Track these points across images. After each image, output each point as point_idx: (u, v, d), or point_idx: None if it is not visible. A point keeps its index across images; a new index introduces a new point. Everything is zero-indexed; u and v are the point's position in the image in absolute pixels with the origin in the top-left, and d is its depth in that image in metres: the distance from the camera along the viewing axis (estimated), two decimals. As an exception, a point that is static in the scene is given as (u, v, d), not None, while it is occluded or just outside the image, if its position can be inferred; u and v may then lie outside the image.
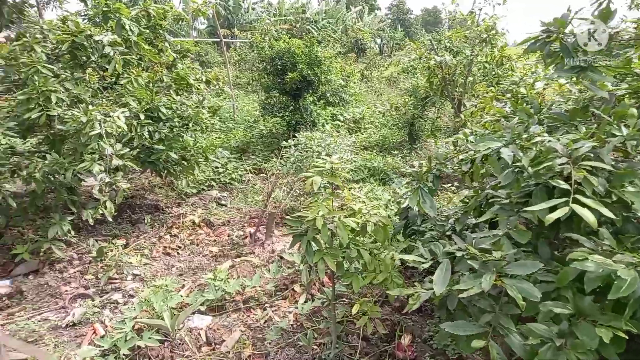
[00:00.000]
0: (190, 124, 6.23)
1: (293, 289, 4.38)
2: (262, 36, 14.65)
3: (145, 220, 6.20)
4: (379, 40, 37.08)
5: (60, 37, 4.91)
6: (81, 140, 4.53)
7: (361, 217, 3.25)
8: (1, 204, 4.69)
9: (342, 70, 13.79)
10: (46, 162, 4.53)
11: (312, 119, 9.81)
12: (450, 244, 3.09)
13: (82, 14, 8.94)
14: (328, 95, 10.52)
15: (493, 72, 7.58)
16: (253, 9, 33.15)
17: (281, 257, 5.05)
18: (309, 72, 9.09)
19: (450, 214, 3.62)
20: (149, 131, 5.51)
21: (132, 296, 4.48)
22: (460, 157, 3.30)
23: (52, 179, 4.85)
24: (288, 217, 6.25)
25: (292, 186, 5.98)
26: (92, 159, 4.37)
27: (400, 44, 34.14)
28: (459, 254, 2.31)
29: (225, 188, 8.23)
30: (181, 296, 4.31)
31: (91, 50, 5.22)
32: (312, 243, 3.13)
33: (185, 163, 6.08)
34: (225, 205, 7.38)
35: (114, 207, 4.46)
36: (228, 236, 5.81)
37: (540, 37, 2.80)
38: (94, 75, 5.66)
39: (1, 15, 5.20)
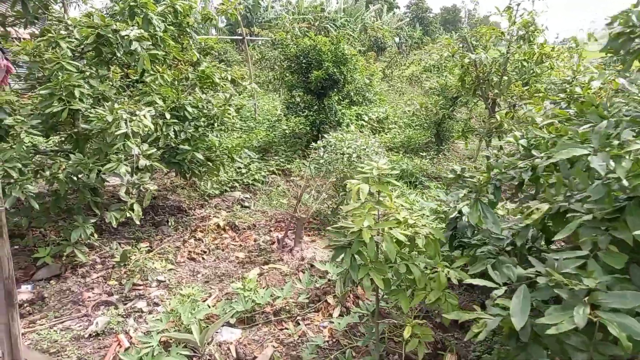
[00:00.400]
0: (216, 124, 6.01)
1: (326, 301, 4.11)
2: (285, 34, 14.46)
3: (169, 223, 6.01)
4: (397, 39, 36.54)
5: (85, 30, 4.73)
6: (106, 140, 4.34)
7: (407, 227, 2.96)
8: (24, 205, 4.53)
9: (366, 68, 13.47)
10: (70, 162, 4.34)
11: (336, 118, 9.53)
12: (511, 261, 2.77)
13: (106, 12, 8.83)
14: (352, 94, 10.22)
15: (531, 71, 7.18)
16: (272, 7, 33.03)
17: (312, 266, 4.78)
18: (335, 70, 8.81)
19: (505, 225, 3.30)
20: (174, 131, 5.31)
21: (157, 304, 4.27)
22: (520, 164, 2.98)
23: (76, 179, 4.69)
24: (315, 221, 5.95)
25: (321, 190, 5.71)
26: (118, 160, 4.17)
27: (419, 42, 33.54)
28: (541, 280, 1.99)
29: (249, 189, 8.02)
30: (208, 306, 4.08)
31: (116, 46, 5.04)
32: (356, 257, 2.86)
33: (210, 164, 5.86)
34: (249, 207, 7.16)
35: (141, 210, 4.26)
36: (254, 241, 5.57)
37: (623, 33, 2.48)
38: (117, 73, 5.49)
39: (27, 11, 5.04)
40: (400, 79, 22.98)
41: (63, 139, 5.33)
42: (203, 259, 5.19)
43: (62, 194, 4.54)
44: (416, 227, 2.94)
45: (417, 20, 47.33)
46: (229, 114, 5.76)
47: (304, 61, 9.20)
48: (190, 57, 6.90)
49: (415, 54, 27.52)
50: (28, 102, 4.50)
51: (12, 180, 4.10)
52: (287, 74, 10.37)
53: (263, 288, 4.30)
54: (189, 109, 5.49)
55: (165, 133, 5.19)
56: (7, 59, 2.55)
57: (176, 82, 6.13)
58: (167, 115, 5.29)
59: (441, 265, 2.93)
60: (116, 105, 4.39)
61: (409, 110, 9.18)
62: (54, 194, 4.68)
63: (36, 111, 4.44)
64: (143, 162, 4.21)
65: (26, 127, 4.10)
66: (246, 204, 7.32)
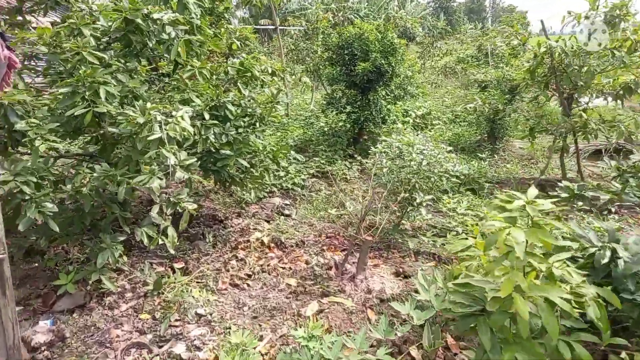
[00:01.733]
0: (258, 124, 5.20)
1: (409, 354, 3.27)
2: (317, 22, 13.56)
3: (206, 238, 5.25)
4: (420, 29, 35.05)
5: (109, 14, 3.96)
6: (137, 147, 3.58)
7: (554, 282, 2.08)
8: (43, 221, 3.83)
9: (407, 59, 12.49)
10: (95, 174, 3.60)
11: (382, 115, 8.62)
12: None
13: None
14: (393, 87, 9.29)
15: (622, 61, 6.11)
16: (295, -4, 32.09)
17: (381, 300, 3.94)
18: (383, 61, 7.88)
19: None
20: (214, 134, 4.52)
21: (198, 348, 3.50)
22: None
23: (102, 192, 3.98)
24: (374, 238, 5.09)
25: (388, 204, 4.86)
26: (151, 172, 3.40)
27: (442, 33, 32.03)
28: None
29: (288, 194, 7.23)
30: (261, 354, 3.31)
31: (148, 35, 4.27)
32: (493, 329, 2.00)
33: (253, 170, 5.06)
34: (290, 216, 6.38)
35: (177, 236, 3.50)
36: (306, 264, 4.76)
37: None
38: (145, 66, 4.75)
39: (46, -6, 4.32)
40: (434, 70, 21.84)
41: (88, 140, 4.62)
42: (248, 285, 4.41)
43: (86, 210, 3.81)
44: (570, 285, 2.07)
45: (441, 10, 45.61)
46: (276, 112, 4.94)
47: (347, 52, 8.30)
48: (224, 48, 6.13)
49: (447, 43, 26.28)
50: (45, 102, 3.76)
51: (26, 197, 3.38)
52: (327, 66, 9.50)
53: (326, 332, 3.49)
54: (231, 107, 4.69)
55: (204, 136, 4.40)
56: (10, 49, 1.84)
57: (214, 77, 5.35)
58: (206, 116, 4.50)
59: (608, 340, 2.05)
60: (149, 105, 3.62)
61: (470, 107, 8.18)
62: (76, 209, 3.96)
63: (55, 112, 3.70)
64: (180, 174, 3.43)
65: (42, 132, 3.36)
66: (287, 211, 6.54)
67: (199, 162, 4.82)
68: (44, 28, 3.69)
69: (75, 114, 3.44)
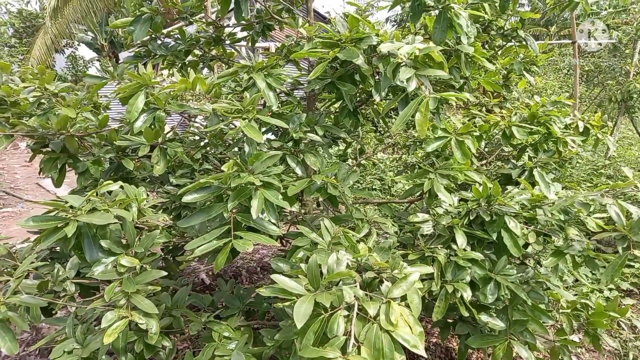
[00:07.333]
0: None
1: None
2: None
3: None
4: None
5: (313, 53, 2.10)
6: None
7: None
8: None
9: None
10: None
11: None
12: None
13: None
14: None
15: None
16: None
17: None
18: None
19: None
20: (473, 279, 2.18)
21: None
22: None
23: None
24: None
25: None
26: None
27: None
28: None
29: None
30: None
31: (373, 82, 2.29)
32: None
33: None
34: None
35: None
36: None
37: None
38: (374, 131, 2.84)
39: (239, 14, 2.81)
40: None
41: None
42: None
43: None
44: None
45: None
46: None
47: None
48: (499, 87, 3.69)
49: None
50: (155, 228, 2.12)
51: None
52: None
53: None
54: (513, 225, 2.22)
55: (450, 286, 2.13)
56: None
57: (483, 144, 3.02)
58: (460, 241, 2.20)
59: None
60: (338, 267, 1.57)
61: None
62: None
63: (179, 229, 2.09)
64: None
65: (136, 298, 1.70)
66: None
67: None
68: (196, 78, 2.11)
69: (198, 251, 1.70)
